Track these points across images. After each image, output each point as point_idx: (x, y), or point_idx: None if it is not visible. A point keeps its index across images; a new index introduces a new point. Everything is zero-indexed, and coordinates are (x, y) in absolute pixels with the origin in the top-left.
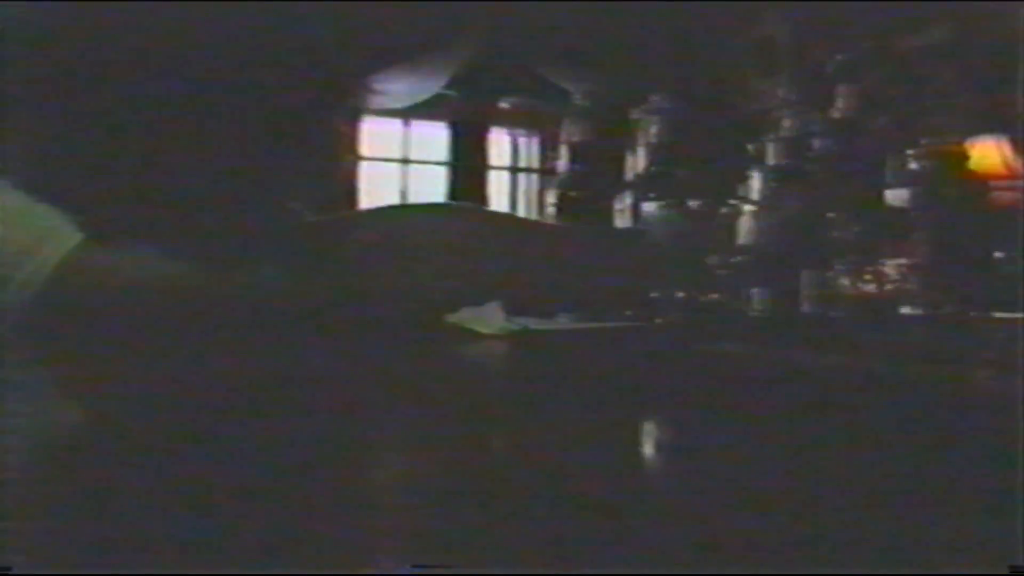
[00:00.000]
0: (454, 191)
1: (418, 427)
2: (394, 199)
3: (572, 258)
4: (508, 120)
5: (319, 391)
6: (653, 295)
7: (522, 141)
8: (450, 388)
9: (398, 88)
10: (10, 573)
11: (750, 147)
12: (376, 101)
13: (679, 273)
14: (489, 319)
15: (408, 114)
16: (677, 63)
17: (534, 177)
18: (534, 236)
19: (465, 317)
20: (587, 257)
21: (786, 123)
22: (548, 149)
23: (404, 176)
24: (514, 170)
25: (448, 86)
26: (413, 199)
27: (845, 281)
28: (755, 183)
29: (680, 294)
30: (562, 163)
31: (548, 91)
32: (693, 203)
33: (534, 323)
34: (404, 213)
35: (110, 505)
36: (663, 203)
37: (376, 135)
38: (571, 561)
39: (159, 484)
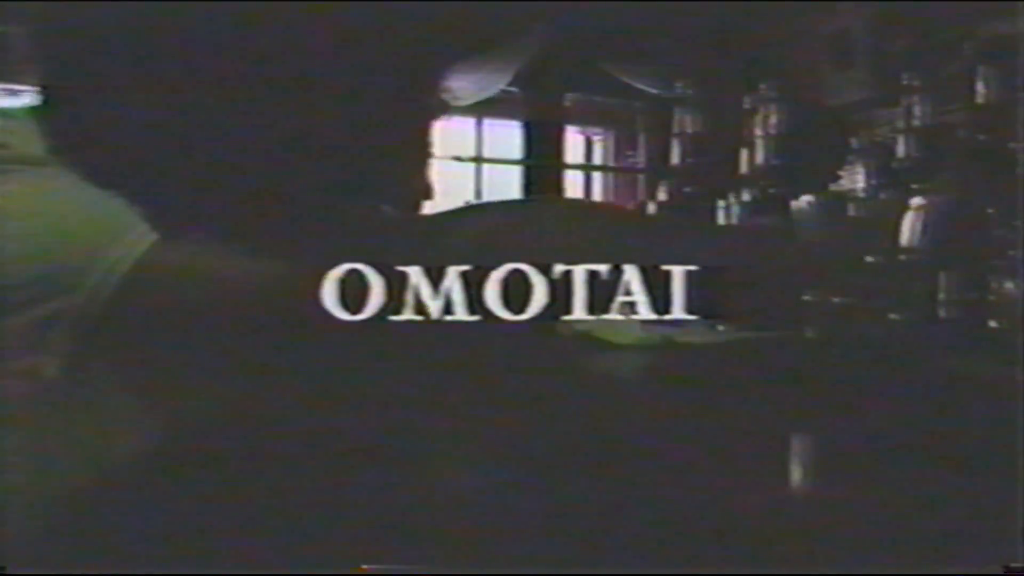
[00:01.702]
0: (544, 189)
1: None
2: (470, 197)
3: (700, 257)
4: (604, 118)
5: (412, 394)
6: (807, 300)
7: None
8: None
9: (463, 85)
10: (6, 573)
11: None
12: (447, 99)
13: (837, 276)
14: (621, 327)
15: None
16: (795, 53)
17: (638, 176)
18: (659, 234)
19: (595, 324)
20: (719, 256)
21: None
22: (645, 147)
23: (494, 175)
24: (616, 170)
25: (515, 83)
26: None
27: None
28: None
29: (836, 299)
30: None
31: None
32: (845, 198)
33: (675, 332)
34: (504, 209)
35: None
36: (807, 198)
37: (454, 134)
38: None
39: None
